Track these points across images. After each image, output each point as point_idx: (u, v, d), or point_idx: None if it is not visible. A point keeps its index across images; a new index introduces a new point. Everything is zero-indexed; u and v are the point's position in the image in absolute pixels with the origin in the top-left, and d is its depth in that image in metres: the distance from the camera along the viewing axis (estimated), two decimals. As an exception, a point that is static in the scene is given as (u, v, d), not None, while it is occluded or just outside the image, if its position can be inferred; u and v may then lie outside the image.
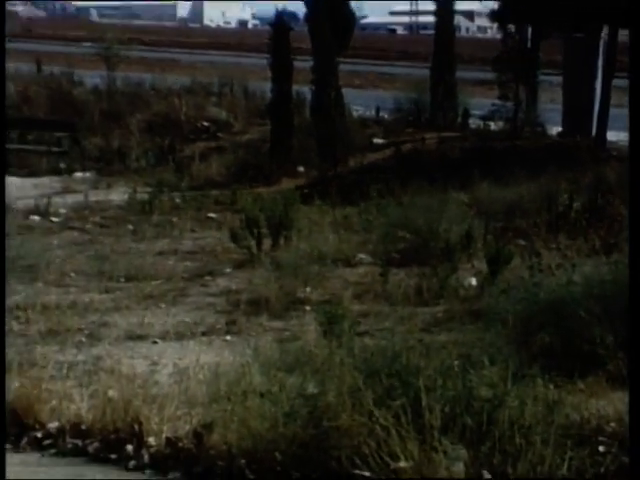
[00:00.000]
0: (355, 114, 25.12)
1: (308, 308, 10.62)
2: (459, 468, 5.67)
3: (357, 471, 5.80)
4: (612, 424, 6.37)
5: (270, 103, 23.01)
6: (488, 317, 9.58)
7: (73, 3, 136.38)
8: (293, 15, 28.30)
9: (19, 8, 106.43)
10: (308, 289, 11.57)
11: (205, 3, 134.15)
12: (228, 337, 9.86)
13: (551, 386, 6.56)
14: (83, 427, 6.82)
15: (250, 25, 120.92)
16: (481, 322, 9.70)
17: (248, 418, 6.34)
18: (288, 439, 6.09)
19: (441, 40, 27.17)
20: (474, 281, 11.77)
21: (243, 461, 6.12)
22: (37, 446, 6.79)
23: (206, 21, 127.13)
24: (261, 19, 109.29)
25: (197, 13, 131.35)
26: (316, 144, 21.58)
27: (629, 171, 6.93)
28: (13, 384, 7.19)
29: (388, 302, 11.12)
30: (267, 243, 13.59)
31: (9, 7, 71.41)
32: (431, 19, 30.51)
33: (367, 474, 5.77)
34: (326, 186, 18.22)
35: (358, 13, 28.67)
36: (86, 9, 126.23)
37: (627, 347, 5.86)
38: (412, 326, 9.89)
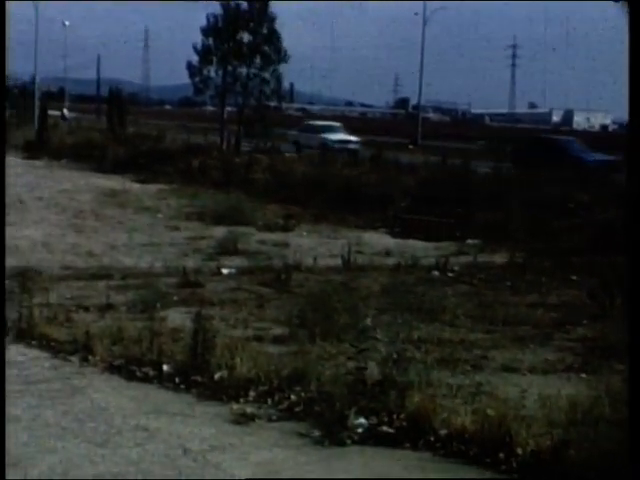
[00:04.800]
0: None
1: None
2: None
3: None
4: None
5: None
6: None
7: (472, 111, 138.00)
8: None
9: (430, 114, 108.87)
10: (652, 340, 11.04)
11: (575, 111, 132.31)
12: (583, 375, 9.57)
13: None
14: (466, 436, 6.82)
15: (610, 129, 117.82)
16: None
17: (599, 440, 6.13)
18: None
19: None
20: None
21: (593, 474, 5.92)
22: (430, 447, 6.85)
23: (575, 125, 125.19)
24: (619, 124, 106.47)
25: (568, 119, 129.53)
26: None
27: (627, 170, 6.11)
28: (415, 398, 7.29)
29: None
30: (618, 301, 13.08)
31: (424, 114, 73.17)
32: None
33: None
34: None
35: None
36: (481, 115, 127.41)
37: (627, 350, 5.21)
38: None
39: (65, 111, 62.22)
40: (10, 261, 15.13)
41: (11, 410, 7.76)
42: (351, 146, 44.84)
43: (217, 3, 42.57)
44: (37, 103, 57.74)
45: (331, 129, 49.65)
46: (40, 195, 25.73)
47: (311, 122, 54.48)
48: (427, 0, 62.71)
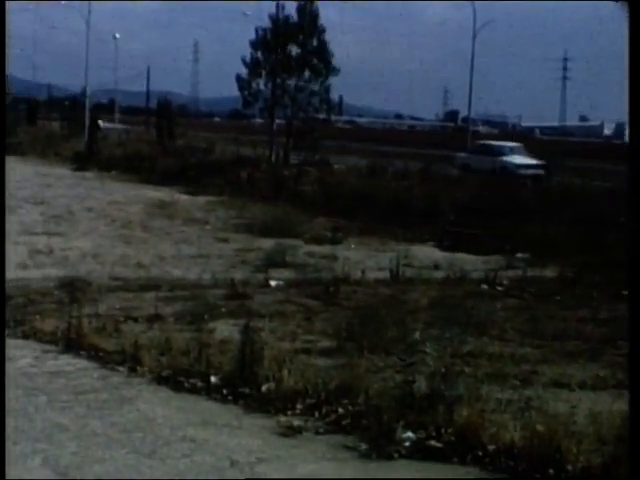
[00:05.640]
0: None
1: None
2: None
3: None
4: None
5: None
6: None
7: (522, 124, 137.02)
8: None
9: (480, 127, 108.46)
10: None
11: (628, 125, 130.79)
12: (635, 391, 9.46)
13: None
14: (515, 451, 6.77)
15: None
16: None
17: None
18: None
19: None
20: None
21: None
22: (478, 462, 6.81)
23: (626, 138, 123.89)
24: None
25: (620, 132, 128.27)
26: None
27: (629, 172, 6.03)
28: (463, 412, 7.25)
29: None
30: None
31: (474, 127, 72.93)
32: None
33: None
34: None
35: None
36: (531, 128, 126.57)
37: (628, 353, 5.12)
38: None
39: (100, 122, 62.75)
40: (59, 272, 15.35)
41: (60, 419, 7.85)
42: (535, 171, 39.88)
43: (265, 16, 42.94)
44: (87, 115, 58.35)
45: (511, 151, 44.39)
46: (90, 206, 26.01)
47: (486, 142, 48.53)
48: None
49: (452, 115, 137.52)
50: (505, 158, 42.13)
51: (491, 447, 6.91)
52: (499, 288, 15.95)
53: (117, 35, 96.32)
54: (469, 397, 7.70)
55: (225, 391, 8.63)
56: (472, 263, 18.76)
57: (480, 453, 6.89)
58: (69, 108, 67.52)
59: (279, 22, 42.54)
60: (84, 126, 55.84)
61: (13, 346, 10.33)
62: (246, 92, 42.94)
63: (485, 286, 16.01)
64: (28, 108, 79.02)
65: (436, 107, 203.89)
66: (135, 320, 11.83)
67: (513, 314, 13.52)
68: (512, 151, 44.26)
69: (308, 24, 41.65)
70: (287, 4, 42.61)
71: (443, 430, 7.22)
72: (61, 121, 66.87)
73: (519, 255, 20.28)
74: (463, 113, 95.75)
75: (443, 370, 8.02)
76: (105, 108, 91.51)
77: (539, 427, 6.96)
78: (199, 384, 8.83)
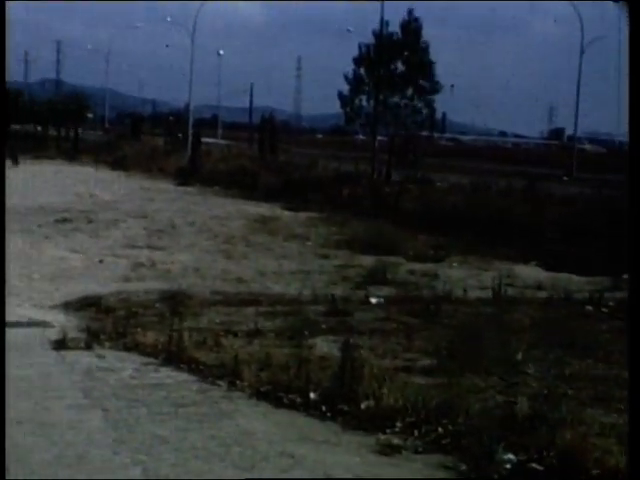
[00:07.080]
0: None
1: None
2: None
3: None
4: None
5: None
6: None
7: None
8: None
9: (586, 145, 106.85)
10: None
11: None
12: None
13: None
14: (620, 476, 6.64)
15: None
16: None
17: None
18: None
19: None
20: None
21: None
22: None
23: None
24: None
25: None
26: None
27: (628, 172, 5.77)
28: (566, 435, 7.14)
29: None
30: None
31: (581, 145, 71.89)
32: None
33: None
34: None
35: None
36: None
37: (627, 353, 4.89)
38: None
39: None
40: (161, 285, 15.60)
41: (159, 432, 7.97)
42: None
43: (369, 33, 43.14)
44: (190, 130, 59.25)
45: None
46: (192, 220, 26.40)
47: None
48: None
49: (557, 133, 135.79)
50: None
51: (595, 472, 6.78)
52: (604, 310, 15.64)
53: (221, 52, 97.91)
54: (572, 420, 7.59)
55: (324, 408, 8.64)
56: (576, 284, 18.45)
57: (583, 477, 6.78)
58: (173, 123, 68.66)
59: (383, 38, 42.66)
60: (187, 141, 56.73)
61: (115, 358, 10.55)
62: (348, 109, 43.14)
63: (590, 307, 15.72)
64: (132, 123, 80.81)
65: (541, 125, 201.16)
66: (235, 335, 11.93)
67: (618, 336, 13.23)
68: None
69: (412, 41, 41.65)
70: (391, 21, 42.75)
71: (545, 453, 7.12)
72: (165, 136, 68.03)
73: (626, 276, 19.86)
74: (569, 131, 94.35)
75: (546, 392, 7.92)
76: (208, 123, 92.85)
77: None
78: (298, 400, 8.86)
